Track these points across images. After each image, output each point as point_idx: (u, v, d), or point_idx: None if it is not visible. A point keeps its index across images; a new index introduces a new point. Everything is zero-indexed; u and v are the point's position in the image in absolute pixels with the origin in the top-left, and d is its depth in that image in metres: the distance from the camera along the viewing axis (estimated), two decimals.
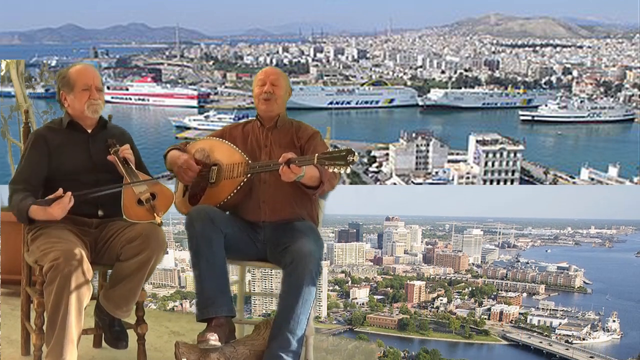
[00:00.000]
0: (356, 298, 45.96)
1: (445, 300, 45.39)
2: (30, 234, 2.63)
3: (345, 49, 72.85)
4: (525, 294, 47.69)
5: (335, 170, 2.44)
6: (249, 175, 2.74)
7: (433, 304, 45.28)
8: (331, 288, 45.92)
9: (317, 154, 2.48)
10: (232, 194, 2.76)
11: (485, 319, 43.04)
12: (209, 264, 2.63)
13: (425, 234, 58.67)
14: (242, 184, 2.74)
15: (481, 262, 53.55)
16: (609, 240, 64.83)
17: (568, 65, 69.90)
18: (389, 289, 46.94)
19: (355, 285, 47.56)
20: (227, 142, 2.90)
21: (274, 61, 70.47)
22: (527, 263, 52.71)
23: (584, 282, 50.14)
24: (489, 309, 44.19)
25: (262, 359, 2.61)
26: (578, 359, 37.58)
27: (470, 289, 47.31)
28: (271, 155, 2.85)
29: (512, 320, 43.27)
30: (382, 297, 46.03)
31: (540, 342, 40.06)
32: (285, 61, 70.84)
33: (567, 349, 38.75)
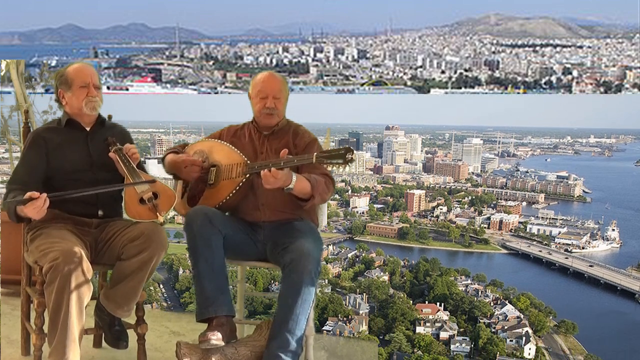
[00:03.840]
0: (356, 207, 45.67)
1: (445, 209, 45.13)
2: (30, 233, 2.63)
3: (345, 49, 72.56)
4: (524, 203, 47.36)
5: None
6: (247, 175, 2.74)
7: (433, 213, 45.02)
8: (331, 197, 45.75)
9: (315, 153, 2.51)
10: (231, 195, 2.76)
11: (484, 227, 42.83)
12: (207, 264, 2.64)
13: (425, 143, 58.18)
14: (241, 184, 2.74)
15: (481, 171, 53.18)
16: (608, 149, 63.99)
17: (568, 65, 69.68)
18: (389, 197, 46.65)
19: (355, 194, 47.22)
20: (225, 143, 2.90)
21: (274, 61, 70.25)
22: (527, 172, 52.23)
23: (584, 190, 49.66)
24: (489, 218, 43.93)
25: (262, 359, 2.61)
26: (577, 268, 37.17)
27: (470, 197, 47.00)
28: None
29: (511, 229, 43.07)
30: (382, 206, 45.72)
31: (540, 251, 39.81)
32: (285, 61, 70.60)
33: (566, 258, 38.45)
